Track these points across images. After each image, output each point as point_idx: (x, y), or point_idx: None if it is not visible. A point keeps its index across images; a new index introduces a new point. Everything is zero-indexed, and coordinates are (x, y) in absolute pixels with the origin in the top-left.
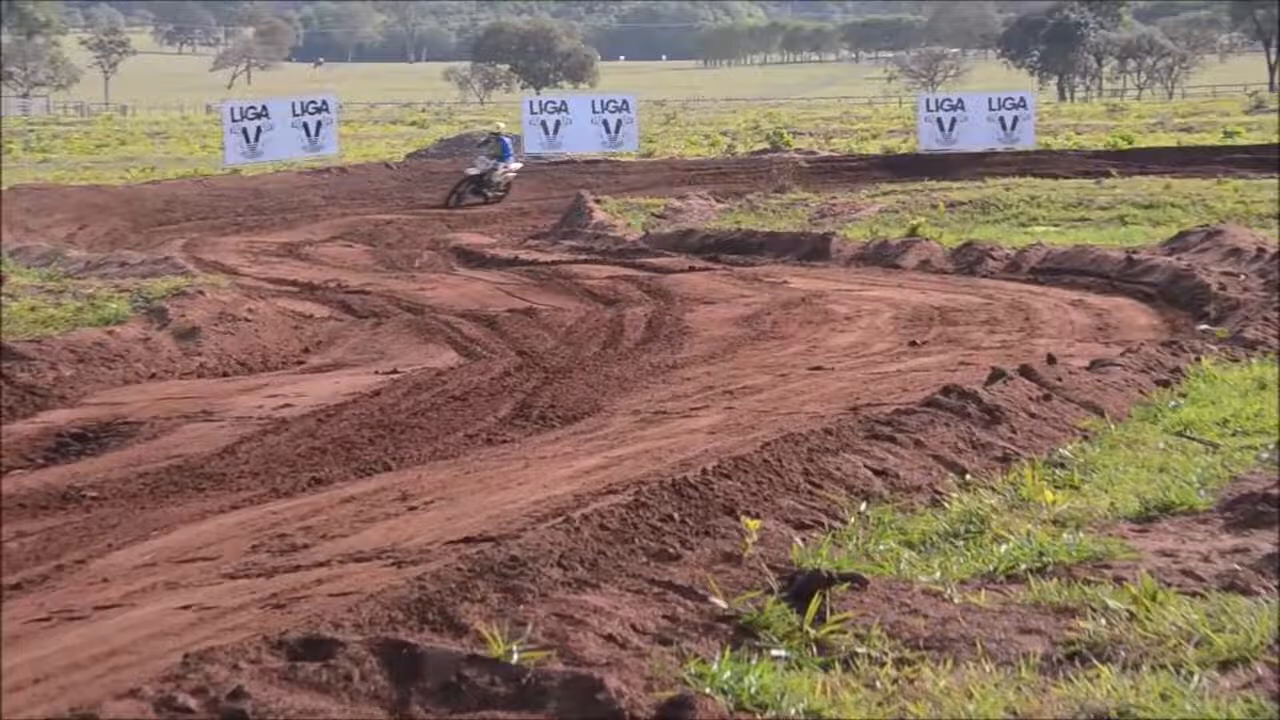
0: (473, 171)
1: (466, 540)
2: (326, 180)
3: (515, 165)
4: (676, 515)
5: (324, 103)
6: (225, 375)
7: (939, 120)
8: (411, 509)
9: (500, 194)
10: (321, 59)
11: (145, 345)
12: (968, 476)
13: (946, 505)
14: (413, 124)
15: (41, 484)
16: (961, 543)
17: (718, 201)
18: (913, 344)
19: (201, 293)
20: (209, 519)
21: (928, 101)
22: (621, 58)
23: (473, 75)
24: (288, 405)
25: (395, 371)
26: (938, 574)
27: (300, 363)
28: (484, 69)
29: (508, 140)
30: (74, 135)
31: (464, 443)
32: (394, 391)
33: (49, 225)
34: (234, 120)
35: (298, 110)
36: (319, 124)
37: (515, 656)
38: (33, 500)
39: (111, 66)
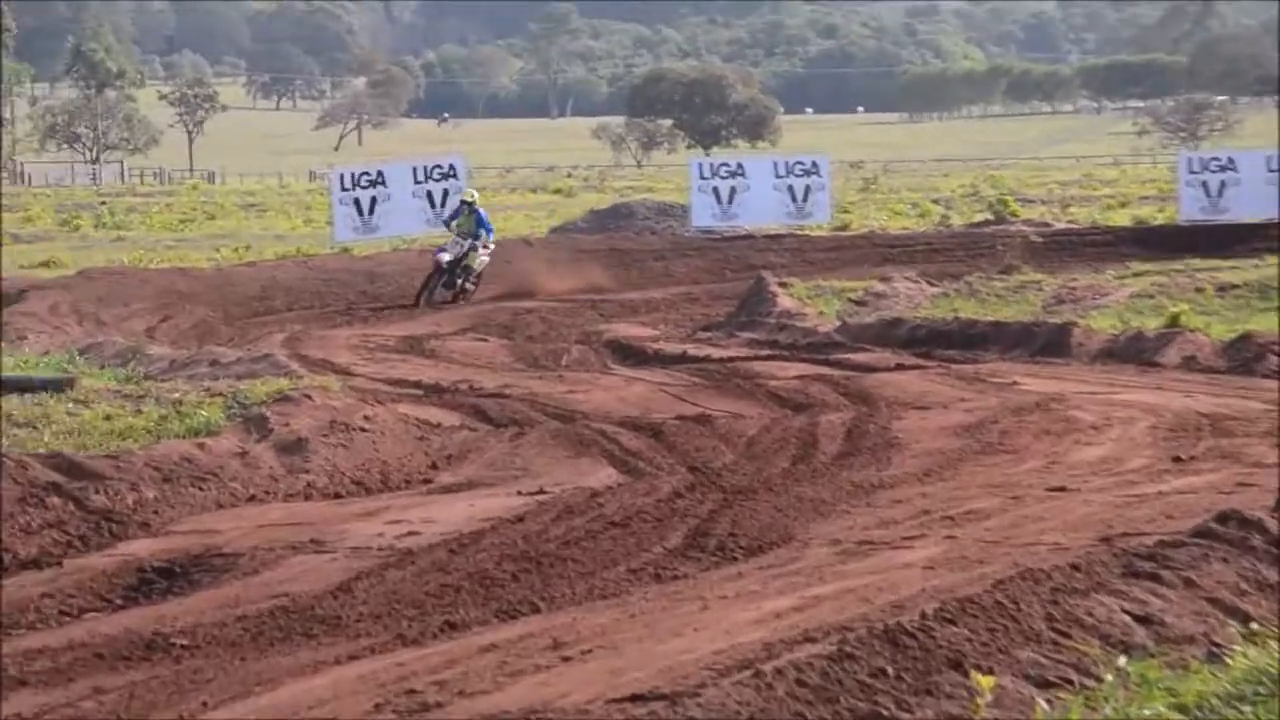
0: (445, 257)
1: (633, 698)
2: None
3: (490, 244)
4: (890, 669)
5: (451, 167)
6: (338, 497)
7: (1204, 184)
8: (565, 659)
9: (474, 286)
10: (447, 114)
11: (242, 461)
12: (1253, 625)
13: (1228, 661)
14: (556, 192)
15: (121, 629)
16: (1249, 708)
17: (929, 284)
18: (1177, 460)
19: (308, 397)
20: (323, 671)
21: (1190, 161)
22: (808, 110)
23: (628, 132)
24: (413, 533)
25: (541, 492)
26: None
27: (427, 481)
28: (641, 125)
29: (484, 212)
30: (154, 208)
31: (626, 579)
32: (540, 516)
33: (125, 317)
34: (344, 189)
35: (420, 176)
36: (445, 193)
37: None
38: (111, 649)
39: (197, 125)
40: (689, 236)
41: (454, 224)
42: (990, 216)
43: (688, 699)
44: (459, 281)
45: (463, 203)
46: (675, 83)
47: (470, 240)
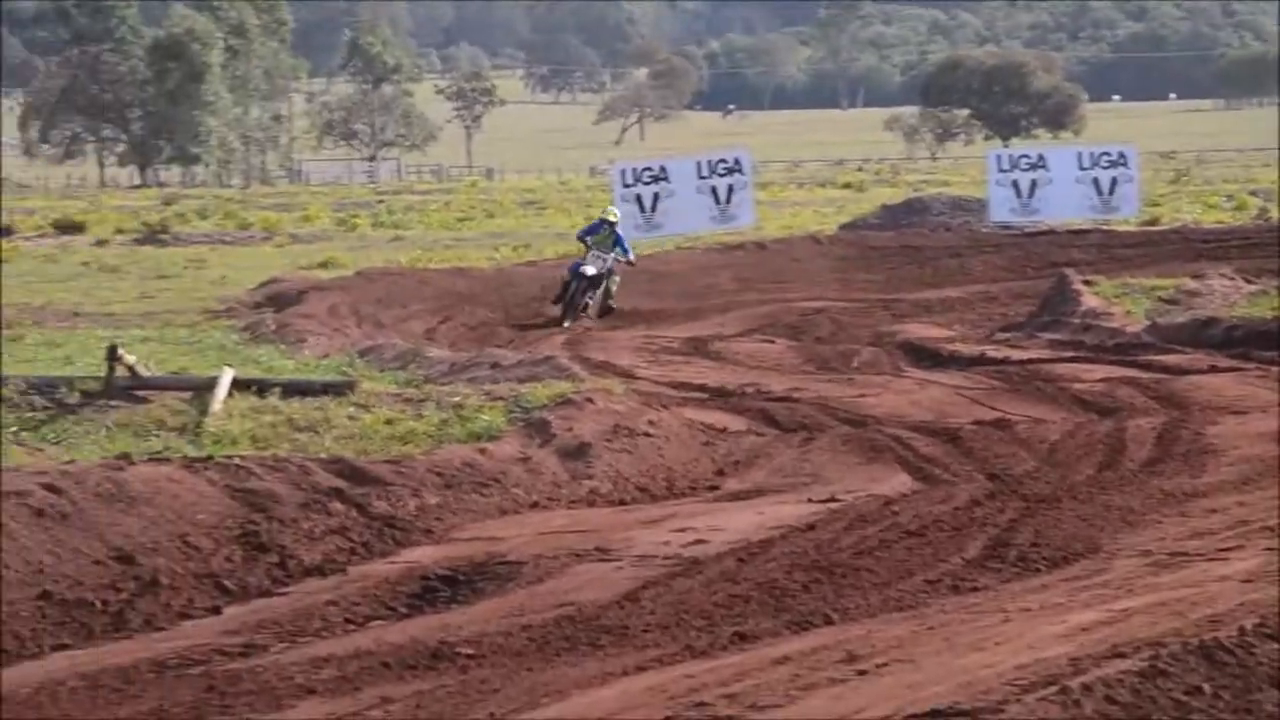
0: (590, 271)
1: (932, 714)
2: (740, 258)
3: (629, 259)
4: (1207, 688)
5: (736, 161)
6: (622, 503)
7: None
8: (861, 673)
9: (610, 307)
10: (732, 106)
11: (525, 466)
12: None
13: None
14: (847, 186)
15: (407, 638)
16: None
17: (1246, 282)
18: None
19: (591, 401)
20: (610, 683)
21: None
22: (1116, 97)
23: (922, 123)
24: (700, 541)
25: (833, 499)
26: None
27: (714, 488)
28: (936, 115)
29: (623, 234)
30: (431, 206)
31: (923, 590)
32: (832, 525)
33: (404, 318)
34: (626, 185)
35: (704, 171)
36: (730, 188)
37: None
38: (397, 658)
39: (474, 120)
40: (986, 232)
41: (590, 239)
42: None
43: (989, 715)
44: (589, 301)
45: (603, 221)
46: (973, 70)
47: (609, 258)
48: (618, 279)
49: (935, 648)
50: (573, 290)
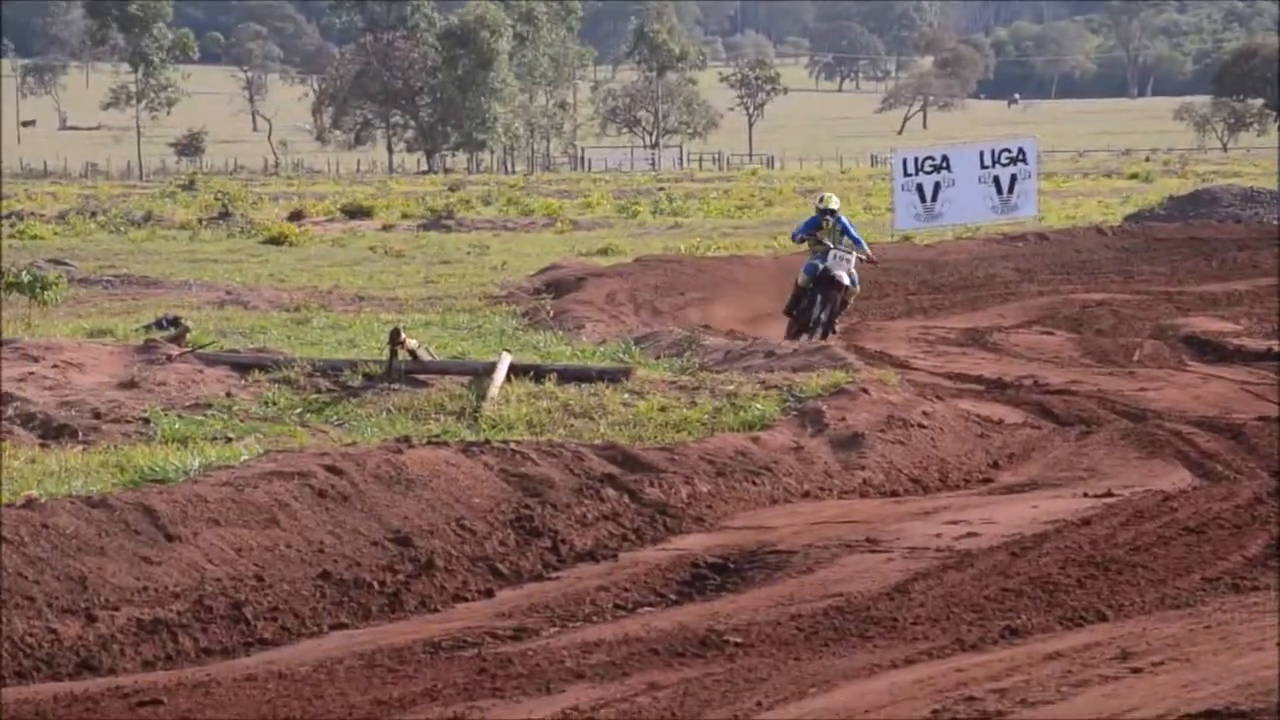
0: (842, 276)
1: (1209, 714)
2: (1021, 250)
3: (870, 256)
4: None
5: (1020, 151)
6: (894, 495)
7: None
8: (1135, 671)
9: (835, 328)
10: (1018, 95)
11: (797, 456)
12: None
13: None
14: (1133, 177)
15: (676, 625)
16: None
17: None
18: None
19: (865, 391)
20: (878, 675)
21: None
22: None
23: (1214, 113)
24: (972, 534)
25: (1109, 494)
26: None
27: (987, 481)
28: (1229, 105)
29: (849, 220)
30: (711, 194)
31: (1200, 588)
32: (1108, 520)
33: (681, 305)
34: (906, 174)
35: (986, 160)
36: (1013, 178)
37: None
38: (666, 645)
39: (757, 108)
40: (1278, 225)
41: (817, 237)
42: None
43: (1267, 717)
44: (825, 315)
45: (823, 212)
46: (1269, 59)
47: (849, 255)
48: (858, 289)
49: (1213, 647)
50: (809, 300)
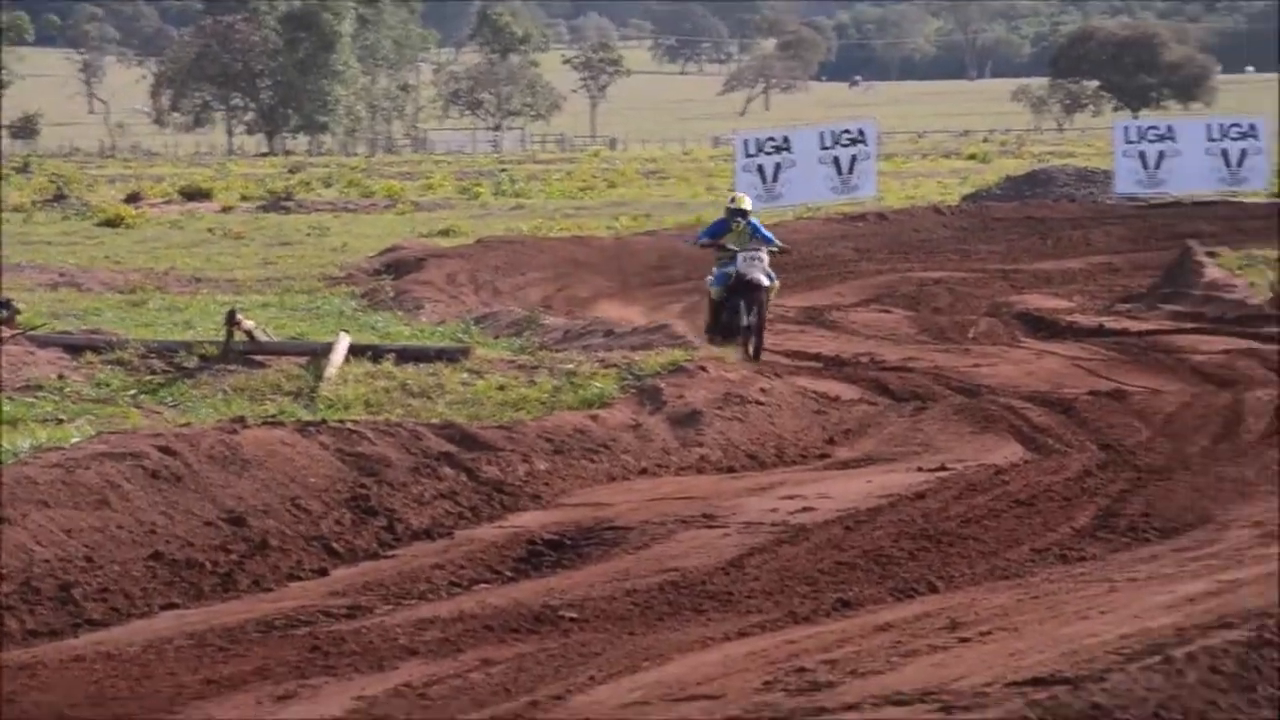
0: (759, 277)
1: (1034, 682)
2: (860, 229)
3: (780, 247)
4: None
5: (860, 132)
6: (731, 471)
7: None
8: (963, 640)
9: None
10: (859, 77)
11: (635, 433)
12: None
13: None
14: (971, 157)
15: (511, 601)
16: None
17: None
18: None
19: (703, 369)
20: (712, 648)
21: None
22: (1249, 69)
23: (1050, 94)
24: (808, 509)
25: (943, 468)
26: None
27: (824, 456)
28: (1065, 86)
29: (758, 222)
30: (554, 175)
31: (1030, 559)
32: (941, 494)
33: (522, 286)
34: (748, 155)
35: (827, 142)
36: (853, 159)
37: None
38: (501, 621)
39: (600, 90)
40: (1111, 204)
41: (721, 243)
42: None
43: (1091, 684)
44: (751, 322)
45: (734, 213)
46: (1104, 42)
47: (760, 254)
48: (777, 285)
49: (1039, 616)
50: (730, 311)
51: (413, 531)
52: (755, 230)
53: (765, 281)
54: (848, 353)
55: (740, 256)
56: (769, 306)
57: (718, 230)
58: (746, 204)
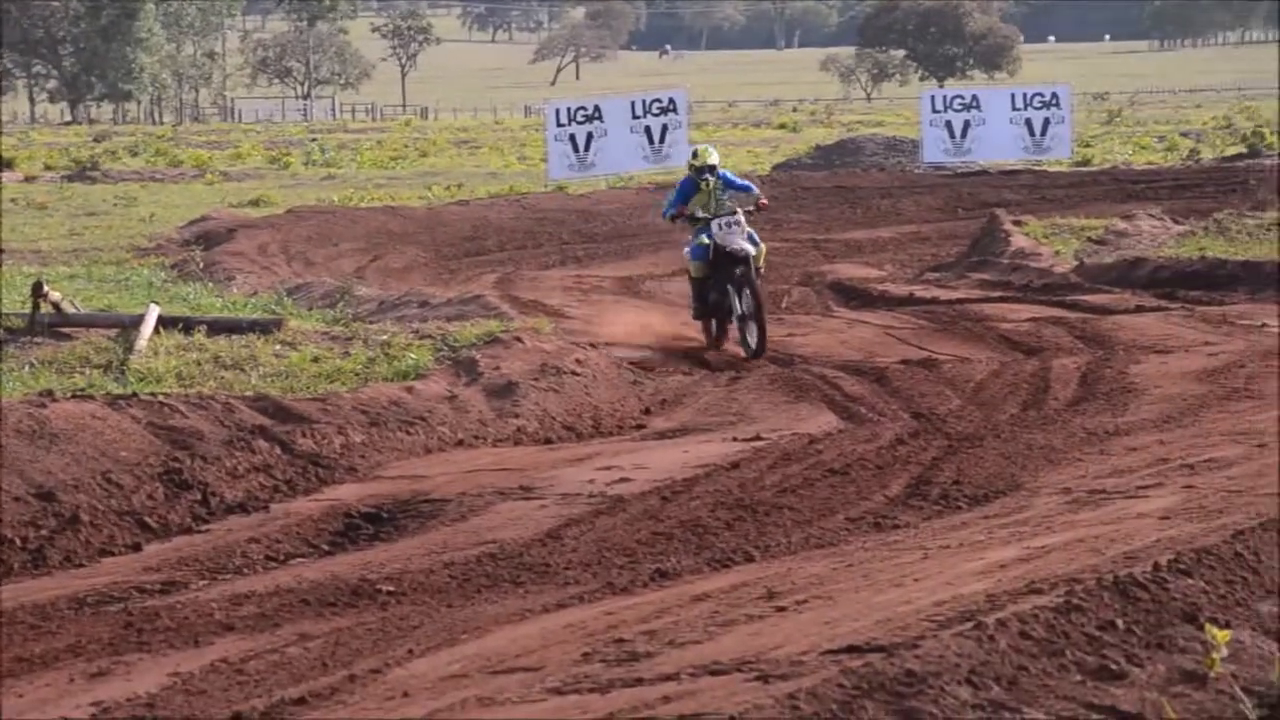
0: (742, 246)
1: (849, 650)
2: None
3: (760, 200)
4: (1120, 622)
5: (671, 101)
6: (548, 442)
7: None
8: (780, 609)
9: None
10: (669, 46)
11: (451, 405)
12: None
13: None
14: (781, 127)
15: (328, 575)
16: None
17: (1175, 222)
18: None
19: (519, 340)
20: (530, 620)
21: None
22: (1051, 38)
23: (858, 64)
24: (625, 479)
25: (758, 438)
26: None
27: (640, 427)
28: (872, 56)
29: (732, 174)
30: (365, 145)
31: (844, 527)
32: (756, 463)
33: (335, 256)
34: (559, 124)
35: (638, 111)
36: (664, 128)
37: None
38: (317, 596)
39: (410, 59)
40: (919, 173)
41: (688, 211)
42: (1244, 150)
43: (905, 651)
44: (746, 304)
45: (698, 170)
46: (909, 11)
47: (734, 218)
48: (763, 249)
49: (854, 584)
50: (719, 292)
51: (227, 505)
52: (728, 184)
53: (749, 249)
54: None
55: (715, 223)
56: (761, 272)
57: (685, 193)
58: (712, 157)
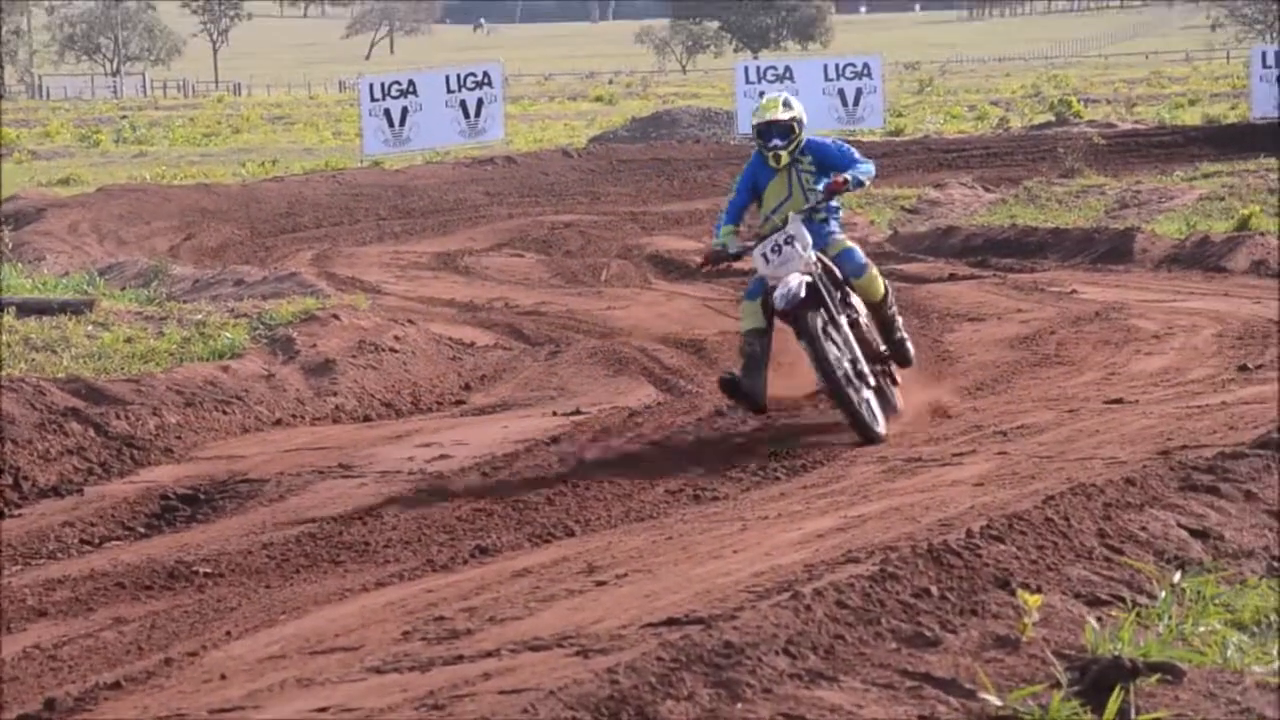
0: (796, 287)
1: (669, 622)
2: (490, 173)
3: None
4: (935, 589)
5: (486, 75)
6: (367, 420)
7: None
8: (600, 584)
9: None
10: (483, 20)
11: (268, 384)
12: None
13: None
14: (598, 100)
15: (144, 558)
16: None
17: (986, 191)
18: (1243, 369)
19: (336, 317)
20: (349, 599)
21: (1264, 55)
22: (862, 9)
23: (673, 36)
24: (445, 456)
25: (578, 413)
26: (1276, 663)
27: (460, 403)
28: (687, 28)
29: (824, 140)
30: (177, 122)
31: (664, 500)
32: (577, 438)
33: (148, 235)
34: (373, 99)
35: (453, 85)
36: (480, 102)
37: None
38: (133, 578)
39: (222, 35)
40: (735, 144)
41: (763, 210)
42: (1052, 118)
43: (723, 622)
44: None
45: (764, 140)
46: None
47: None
48: (876, 277)
49: (674, 557)
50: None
51: (40, 489)
52: (822, 156)
53: (801, 288)
54: (481, 298)
55: (760, 248)
56: (894, 319)
57: (747, 188)
58: (781, 110)
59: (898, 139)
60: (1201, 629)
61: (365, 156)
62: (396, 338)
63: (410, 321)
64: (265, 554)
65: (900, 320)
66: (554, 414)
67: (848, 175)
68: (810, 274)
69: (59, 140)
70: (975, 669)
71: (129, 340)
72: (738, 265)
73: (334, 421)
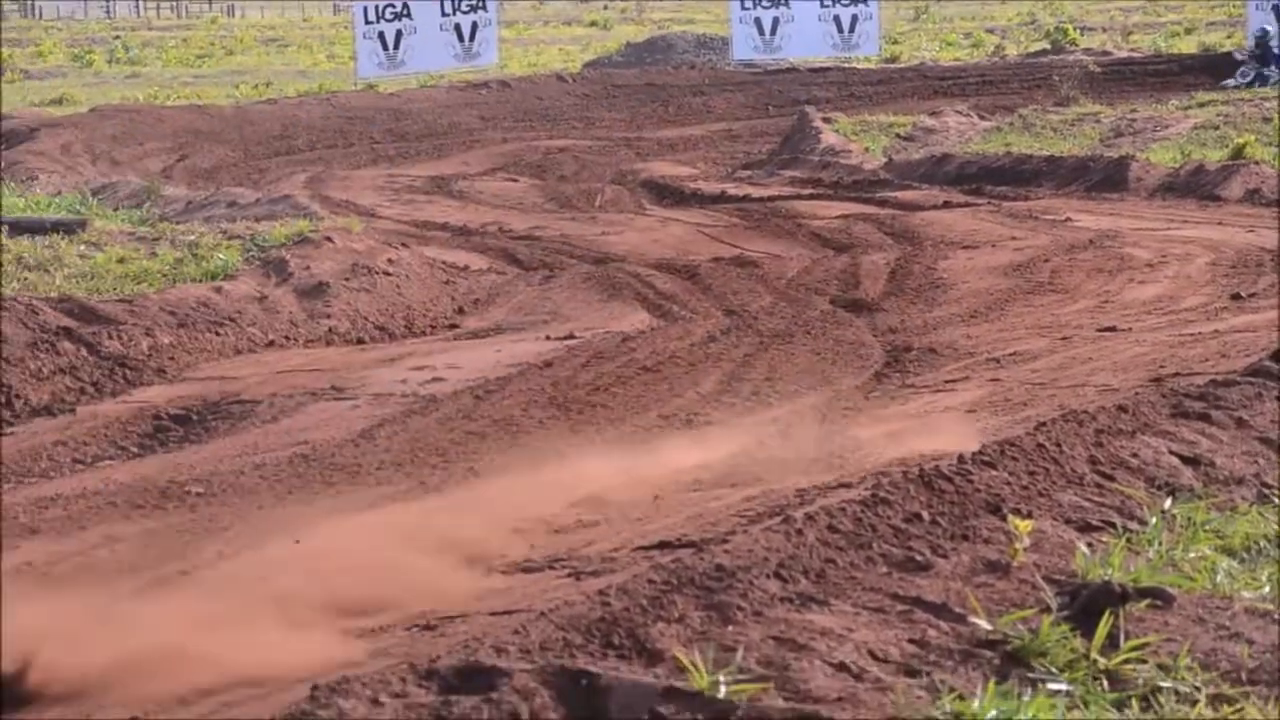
0: None
1: (660, 546)
2: (484, 97)
3: None
4: (926, 514)
5: None
6: (360, 342)
7: (1276, 7)
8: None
9: None
10: None
11: (261, 305)
12: None
13: (1277, 501)
14: (592, 24)
15: (136, 477)
16: None
17: (981, 118)
18: (1236, 297)
19: (330, 239)
20: (341, 520)
21: None
22: None
23: None
24: (437, 379)
25: (571, 337)
26: (1266, 589)
27: (453, 326)
28: None
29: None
30: (170, 42)
31: (657, 425)
32: (570, 362)
33: (140, 156)
34: (368, 22)
35: (448, 9)
36: (474, 26)
37: (723, 690)
38: (126, 497)
39: None
40: (729, 70)
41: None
42: (1048, 46)
43: (715, 546)
44: None
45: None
46: None
47: None
48: None
49: None
50: None
51: (32, 408)
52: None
53: None
54: (475, 222)
55: None
56: None
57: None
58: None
59: (893, 66)
60: (1192, 555)
61: (359, 79)
62: (390, 261)
63: (404, 245)
64: (258, 475)
65: None
66: (547, 338)
67: None
68: None
69: (52, 60)
70: (966, 593)
71: (121, 260)
72: (730, 193)
73: (327, 344)
